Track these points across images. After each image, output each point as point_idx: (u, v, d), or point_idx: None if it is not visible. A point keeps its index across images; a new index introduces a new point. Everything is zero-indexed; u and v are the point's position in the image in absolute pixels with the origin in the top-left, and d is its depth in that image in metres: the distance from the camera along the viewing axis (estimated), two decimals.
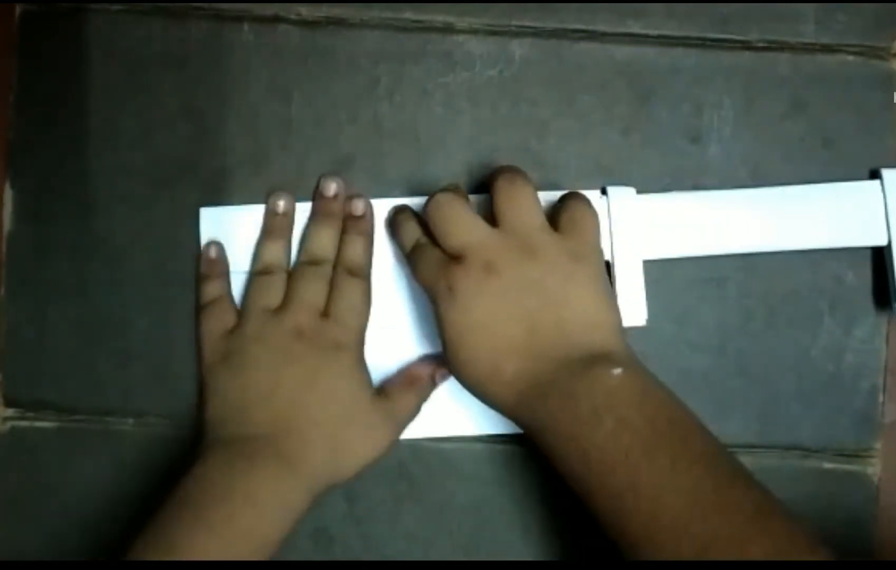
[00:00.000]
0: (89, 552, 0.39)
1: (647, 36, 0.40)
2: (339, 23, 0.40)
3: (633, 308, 0.37)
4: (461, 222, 0.34)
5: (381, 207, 0.39)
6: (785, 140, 0.40)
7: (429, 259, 0.35)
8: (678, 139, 0.40)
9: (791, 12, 0.40)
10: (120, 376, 0.39)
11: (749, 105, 0.40)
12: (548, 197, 0.36)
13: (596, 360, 0.32)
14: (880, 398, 0.39)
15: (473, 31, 0.40)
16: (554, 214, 0.35)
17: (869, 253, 0.39)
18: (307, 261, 0.38)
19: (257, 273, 0.38)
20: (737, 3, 0.40)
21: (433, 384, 0.38)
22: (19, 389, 0.39)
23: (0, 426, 0.39)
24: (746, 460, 0.31)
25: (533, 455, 0.39)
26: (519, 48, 0.40)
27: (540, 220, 0.34)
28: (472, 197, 0.37)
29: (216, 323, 0.38)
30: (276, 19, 0.40)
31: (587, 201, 0.35)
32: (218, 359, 0.37)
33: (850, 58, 0.40)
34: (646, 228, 0.38)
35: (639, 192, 0.39)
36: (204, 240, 0.39)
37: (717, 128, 0.40)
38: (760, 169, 0.40)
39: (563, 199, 0.35)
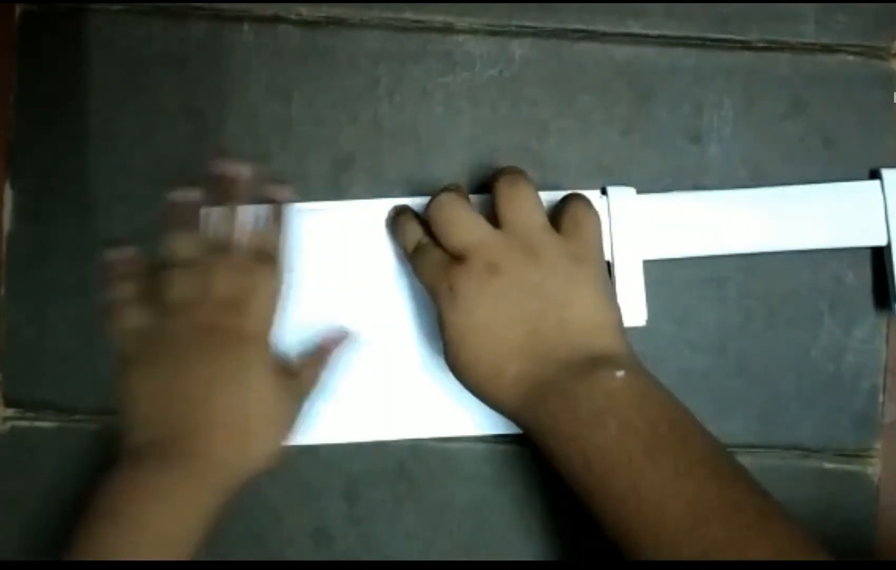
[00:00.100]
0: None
1: (647, 36, 0.40)
2: (339, 23, 0.40)
3: (633, 308, 0.37)
4: (463, 222, 0.34)
5: (381, 207, 0.39)
6: (785, 140, 0.40)
7: (431, 259, 0.35)
8: (678, 139, 0.40)
9: (791, 12, 0.40)
10: None
11: (749, 105, 0.40)
12: (548, 197, 0.36)
13: (598, 362, 0.32)
14: (880, 398, 0.39)
15: (473, 31, 0.40)
16: (555, 215, 0.35)
17: (869, 253, 0.39)
18: (213, 249, 0.37)
19: (166, 268, 0.37)
20: (737, 3, 0.40)
21: (337, 356, 0.38)
22: (19, 389, 0.39)
23: (0, 426, 0.39)
24: (746, 460, 0.31)
25: (533, 456, 0.39)
26: (519, 48, 0.40)
27: (542, 221, 0.34)
28: (472, 197, 0.37)
29: (126, 323, 0.37)
30: (276, 19, 0.40)
31: (589, 202, 0.35)
32: (129, 360, 0.36)
33: (850, 58, 0.40)
34: (646, 228, 0.38)
35: (639, 192, 0.39)
36: None
37: (717, 128, 0.40)
38: (760, 169, 0.40)
39: (564, 200, 0.35)
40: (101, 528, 0.33)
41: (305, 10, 0.40)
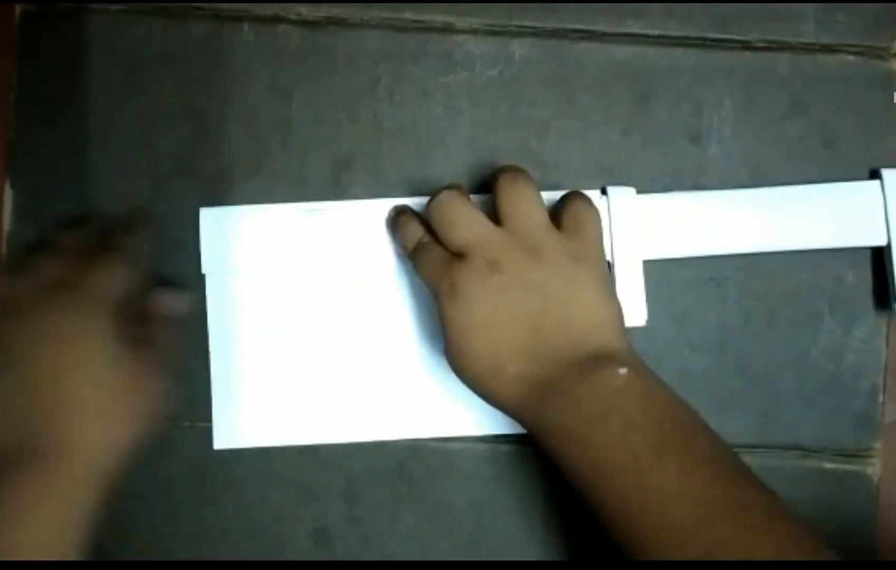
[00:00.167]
0: (88, 552, 0.39)
1: (647, 36, 0.40)
2: (339, 23, 0.40)
3: (633, 308, 0.37)
4: (464, 220, 0.34)
5: (381, 207, 0.39)
6: (785, 140, 0.40)
7: (431, 257, 0.35)
8: (678, 139, 0.40)
9: (791, 12, 0.40)
10: None
11: (749, 105, 0.40)
12: (549, 197, 0.36)
13: (600, 360, 0.32)
14: (880, 398, 0.39)
15: (473, 31, 0.40)
16: (556, 214, 0.35)
17: (869, 253, 0.39)
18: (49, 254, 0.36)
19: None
20: (737, 3, 0.40)
21: (175, 308, 0.38)
22: None
23: None
24: (746, 460, 0.31)
25: (533, 456, 0.39)
26: (519, 48, 0.40)
27: (543, 219, 0.34)
28: (473, 197, 0.37)
29: None
30: (276, 19, 0.40)
31: (589, 201, 0.35)
32: None
33: (850, 58, 0.40)
34: (646, 228, 0.38)
35: (639, 192, 0.39)
36: (204, 240, 0.39)
37: (717, 128, 0.40)
38: (760, 169, 0.40)
39: (565, 198, 0.35)
40: None
41: (305, 10, 0.40)
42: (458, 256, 0.34)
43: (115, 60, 0.40)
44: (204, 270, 0.39)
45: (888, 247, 0.38)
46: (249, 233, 0.39)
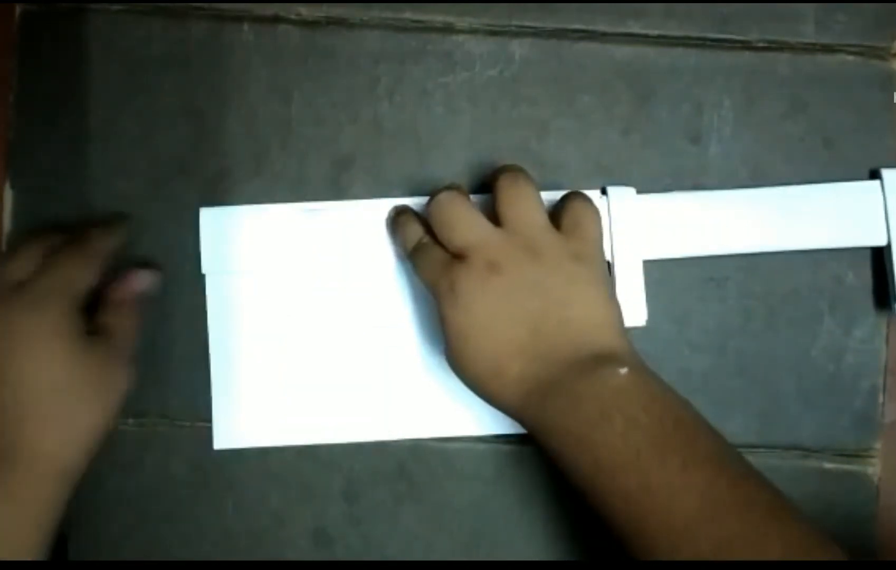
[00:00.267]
0: (88, 553, 0.39)
1: (647, 36, 0.40)
2: (339, 23, 0.40)
3: (633, 308, 0.37)
4: (464, 221, 0.34)
5: (381, 207, 0.39)
6: (785, 140, 0.40)
7: (431, 258, 0.35)
8: (678, 139, 0.40)
9: (791, 12, 0.40)
10: None
11: (749, 105, 0.40)
12: (549, 197, 0.36)
13: (601, 360, 0.32)
14: (880, 398, 0.39)
15: (473, 31, 0.40)
16: (556, 214, 0.35)
17: (869, 253, 0.39)
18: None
19: None
20: (737, 3, 0.40)
21: (139, 294, 0.37)
22: None
23: None
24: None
25: (533, 456, 0.39)
26: (519, 48, 0.40)
27: (543, 220, 0.34)
28: (472, 197, 0.37)
29: None
30: (276, 19, 0.40)
31: (589, 201, 0.35)
32: None
33: (850, 58, 0.40)
34: (646, 228, 0.38)
35: (639, 192, 0.39)
36: (204, 240, 0.39)
37: (717, 128, 0.40)
38: (760, 169, 0.40)
39: (564, 198, 0.35)
40: None
41: (305, 10, 0.40)
42: (457, 256, 0.34)
43: (115, 60, 0.40)
44: (204, 270, 0.39)
45: (888, 247, 0.38)
46: (249, 233, 0.39)
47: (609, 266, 0.38)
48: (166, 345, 0.39)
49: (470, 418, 0.39)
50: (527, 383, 0.32)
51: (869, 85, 0.40)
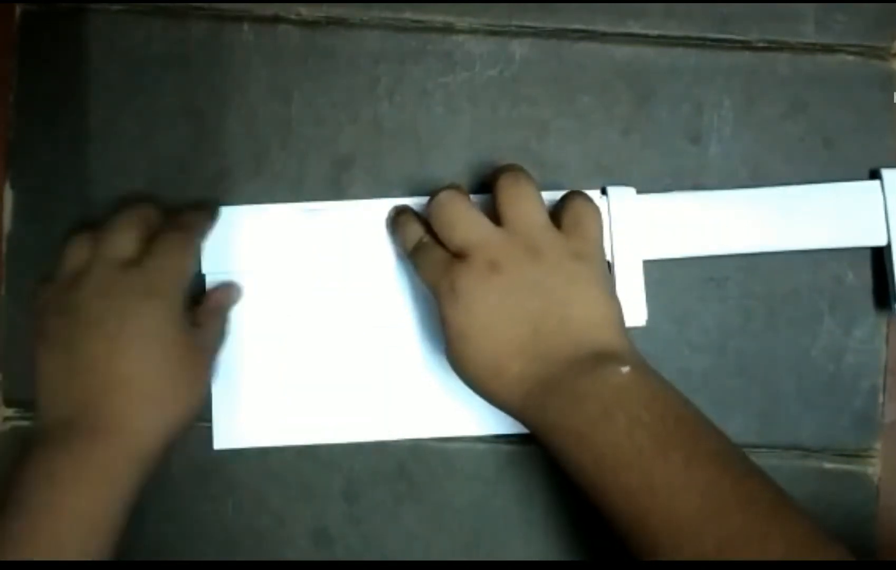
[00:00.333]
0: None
1: (647, 36, 0.40)
2: (339, 23, 0.40)
3: (633, 308, 0.37)
4: (465, 220, 0.34)
5: (381, 207, 0.39)
6: (785, 140, 0.40)
7: (432, 257, 0.35)
8: (678, 139, 0.40)
9: (791, 12, 0.40)
10: None
11: (749, 105, 0.40)
12: (549, 197, 0.36)
13: (602, 358, 0.32)
14: (880, 398, 0.39)
15: (473, 31, 0.40)
16: (556, 213, 0.35)
17: (869, 253, 0.39)
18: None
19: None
20: (737, 3, 0.40)
21: (232, 303, 0.38)
22: (19, 389, 0.39)
23: (0, 426, 0.39)
24: None
25: (533, 456, 0.39)
26: (519, 48, 0.40)
27: (544, 219, 0.34)
28: (473, 197, 0.37)
29: (36, 303, 0.36)
30: (276, 19, 0.40)
31: (590, 200, 0.35)
32: (36, 340, 0.35)
33: (850, 58, 0.40)
34: (646, 228, 0.38)
35: (639, 192, 0.39)
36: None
37: (717, 128, 0.40)
38: (760, 169, 0.40)
39: (565, 197, 0.35)
40: (14, 519, 0.31)
41: (305, 10, 0.40)
42: (458, 256, 0.34)
43: (115, 60, 0.40)
44: (204, 270, 0.39)
45: (888, 247, 0.38)
46: (249, 233, 0.39)
47: (609, 266, 0.38)
48: None
49: (470, 418, 0.39)
50: (527, 382, 0.32)
51: (869, 85, 0.40)
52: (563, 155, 0.40)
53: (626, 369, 0.31)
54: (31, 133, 0.40)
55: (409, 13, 0.40)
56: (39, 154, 0.40)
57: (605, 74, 0.40)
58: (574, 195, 0.35)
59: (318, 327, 0.39)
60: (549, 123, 0.40)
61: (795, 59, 0.40)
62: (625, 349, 0.33)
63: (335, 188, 0.40)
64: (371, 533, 0.39)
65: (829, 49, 0.40)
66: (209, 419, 0.39)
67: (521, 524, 0.39)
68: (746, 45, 0.40)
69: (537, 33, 0.40)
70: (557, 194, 0.36)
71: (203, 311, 0.37)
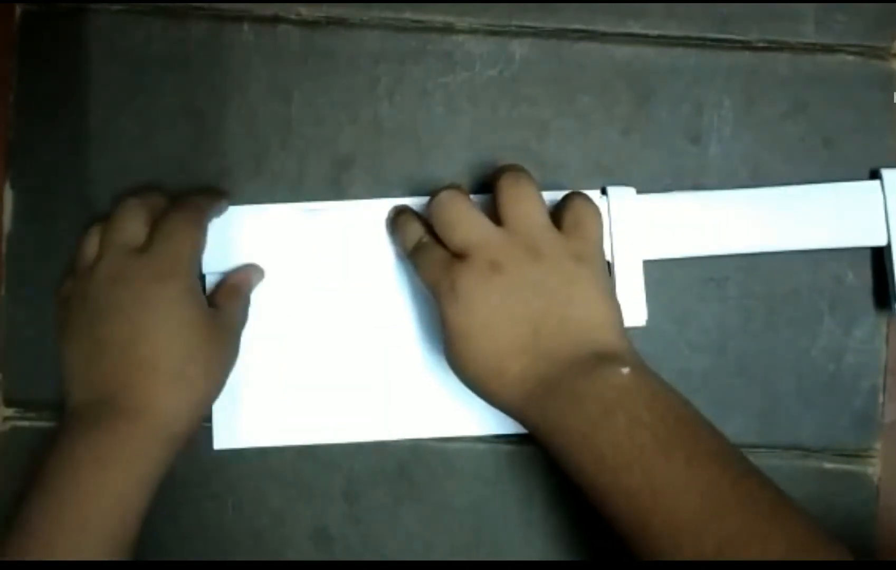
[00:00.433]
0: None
1: (647, 36, 0.40)
2: (339, 23, 0.40)
3: (633, 308, 0.37)
4: (465, 220, 0.34)
5: (381, 207, 0.39)
6: (785, 140, 0.40)
7: (432, 257, 0.35)
8: (678, 139, 0.40)
9: (791, 12, 0.40)
10: None
11: (749, 105, 0.40)
12: (549, 197, 0.36)
13: (602, 359, 0.32)
14: (880, 398, 0.39)
15: (473, 31, 0.40)
16: (557, 214, 0.35)
17: (869, 253, 0.39)
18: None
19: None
20: (737, 3, 0.40)
21: (251, 286, 0.38)
22: (19, 389, 0.39)
23: (0, 426, 0.39)
24: None
25: (533, 455, 0.39)
26: (519, 48, 0.40)
27: (544, 219, 0.34)
28: (473, 197, 0.37)
29: (59, 294, 0.37)
30: (276, 19, 0.40)
31: (590, 201, 0.35)
32: (59, 330, 0.36)
33: (850, 58, 0.40)
34: (646, 228, 0.38)
35: (639, 192, 0.39)
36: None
37: (717, 128, 0.40)
38: (760, 169, 0.40)
39: (566, 198, 0.35)
40: (44, 502, 0.31)
41: (305, 10, 0.40)
42: (458, 256, 0.34)
43: (115, 60, 0.40)
44: (204, 270, 0.39)
45: (888, 247, 0.38)
46: (249, 233, 0.39)
47: (609, 266, 0.38)
48: None
49: (470, 418, 0.39)
50: (528, 382, 0.32)
51: (869, 85, 0.40)
52: (563, 155, 0.40)
53: (626, 370, 0.31)
54: (31, 133, 0.40)
55: (409, 13, 0.40)
56: (39, 154, 0.40)
57: (605, 74, 0.40)
58: (575, 196, 0.35)
59: (318, 327, 0.39)
60: (549, 123, 0.40)
61: (795, 59, 0.40)
62: (625, 350, 0.33)
63: (335, 188, 0.40)
64: (371, 533, 0.39)
65: (829, 49, 0.40)
66: (209, 419, 0.39)
67: (521, 524, 0.39)
68: (746, 45, 0.40)
69: (537, 33, 0.40)
70: (558, 195, 0.36)
71: (221, 293, 0.38)
